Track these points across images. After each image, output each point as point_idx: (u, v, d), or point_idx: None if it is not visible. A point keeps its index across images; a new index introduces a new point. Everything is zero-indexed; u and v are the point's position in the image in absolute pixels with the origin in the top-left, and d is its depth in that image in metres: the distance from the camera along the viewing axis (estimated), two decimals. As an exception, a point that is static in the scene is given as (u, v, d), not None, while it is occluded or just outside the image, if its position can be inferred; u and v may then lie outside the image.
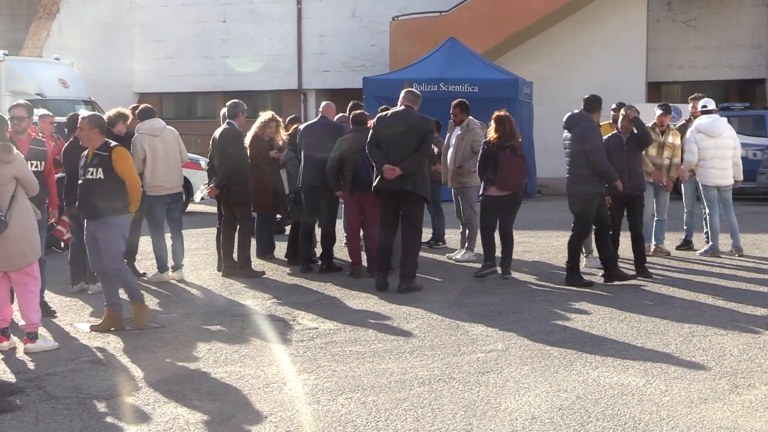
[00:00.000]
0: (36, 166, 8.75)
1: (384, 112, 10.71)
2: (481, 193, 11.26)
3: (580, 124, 10.41)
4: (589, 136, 10.33)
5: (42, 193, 8.69)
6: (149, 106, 11.28)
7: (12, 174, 7.74)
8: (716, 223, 12.41)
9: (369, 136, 10.40)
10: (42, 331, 8.00)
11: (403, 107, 10.41)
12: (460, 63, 21.81)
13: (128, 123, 11.00)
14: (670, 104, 13.28)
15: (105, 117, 11.01)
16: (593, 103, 10.70)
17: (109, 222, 8.39)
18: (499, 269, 11.01)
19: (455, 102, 12.36)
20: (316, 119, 11.89)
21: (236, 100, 11.57)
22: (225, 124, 11.25)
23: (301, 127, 11.90)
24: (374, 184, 10.25)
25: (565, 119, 10.52)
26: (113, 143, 8.56)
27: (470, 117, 12.18)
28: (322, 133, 11.35)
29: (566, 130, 10.51)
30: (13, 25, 31.57)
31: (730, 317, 8.72)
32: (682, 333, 8.10)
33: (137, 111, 11.12)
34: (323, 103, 12.17)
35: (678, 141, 12.37)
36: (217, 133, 11.23)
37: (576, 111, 10.60)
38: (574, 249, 10.52)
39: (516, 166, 10.80)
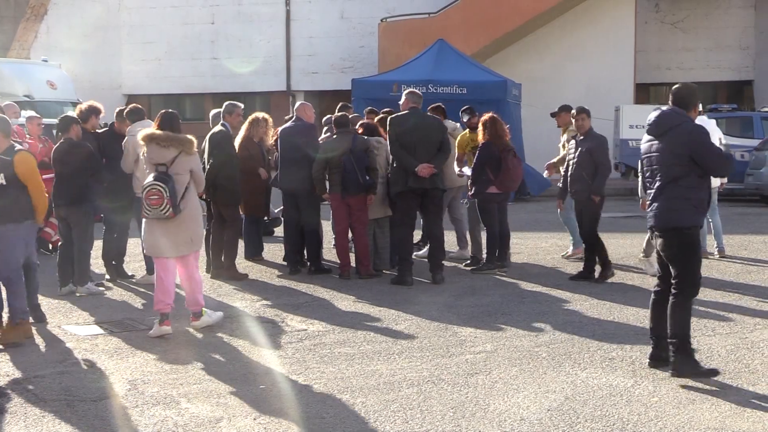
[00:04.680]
0: None
1: (399, 115, 10.76)
2: (471, 193, 11.34)
3: (678, 127, 6.84)
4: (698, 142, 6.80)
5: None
6: (138, 106, 11.24)
7: (190, 166, 8.38)
8: (703, 224, 12.42)
9: (390, 138, 10.67)
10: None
11: (409, 109, 10.69)
12: (448, 64, 21.83)
13: (108, 120, 10.99)
14: (660, 106, 13.17)
15: (76, 111, 11.01)
16: (689, 97, 7.04)
17: (11, 229, 8.04)
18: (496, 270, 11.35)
19: (432, 106, 12.33)
20: (290, 122, 11.84)
21: (233, 102, 11.60)
22: (219, 125, 11.24)
23: (279, 129, 11.91)
24: (408, 183, 10.47)
25: (652, 121, 7.00)
26: (18, 147, 8.28)
27: (448, 120, 12.14)
28: (295, 136, 11.35)
29: (653, 138, 6.99)
30: (0, 27, 31.48)
31: (717, 318, 8.76)
32: (670, 334, 8.12)
33: (126, 112, 11.07)
34: (297, 104, 12.09)
35: None
36: (209, 135, 11.24)
37: (665, 108, 7.06)
38: (684, 323, 6.80)
39: (517, 168, 11.27)
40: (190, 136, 8.46)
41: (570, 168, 10.95)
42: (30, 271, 8.69)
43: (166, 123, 8.46)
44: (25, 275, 8.74)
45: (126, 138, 10.72)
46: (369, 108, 14.67)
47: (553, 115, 12.40)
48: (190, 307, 8.54)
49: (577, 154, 10.86)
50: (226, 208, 11.06)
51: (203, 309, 8.58)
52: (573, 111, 11.33)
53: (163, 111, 8.73)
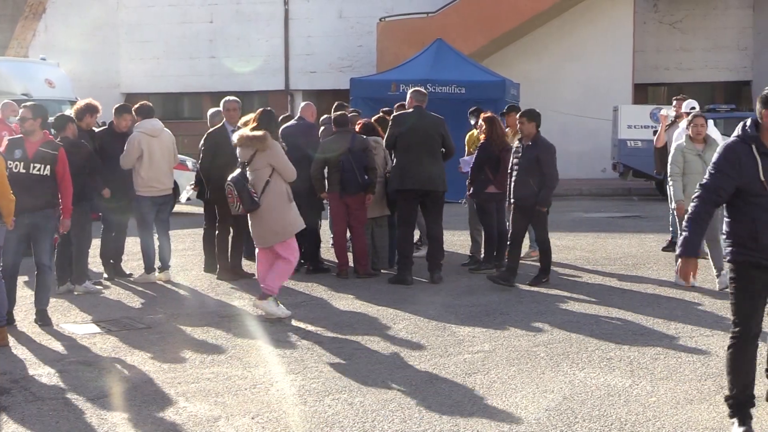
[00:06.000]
0: (39, 170, 8.55)
1: (401, 113, 10.76)
2: (470, 193, 11.35)
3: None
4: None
5: (52, 197, 8.61)
6: (148, 104, 11.24)
7: (267, 161, 8.78)
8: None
9: (390, 137, 10.65)
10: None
11: (413, 108, 10.70)
12: (447, 64, 21.80)
13: (106, 119, 10.97)
14: (659, 106, 13.06)
15: (73, 110, 11.02)
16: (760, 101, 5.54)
17: None
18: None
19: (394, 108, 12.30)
20: (293, 121, 11.84)
21: (228, 97, 11.60)
22: (219, 124, 11.24)
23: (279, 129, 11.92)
24: (406, 184, 10.49)
25: None
26: None
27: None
28: (297, 135, 11.34)
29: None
30: (-1, 25, 31.46)
31: (715, 318, 8.75)
32: (668, 334, 8.13)
33: (135, 108, 11.07)
34: (302, 104, 12.13)
35: None
36: (206, 133, 11.24)
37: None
38: (729, 374, 5.58)
39: None
40: (260, 133, 8.74)
41: (514, 173, 10.36)
42: (41, 274, 8.68)
43: (256, 120, 8.86)
44: (37, 276, 8.75)
45: (132, 134, 10.72)
46: (352, 110, 14.21)
47: (501, 115, 12.22)
48: (263, 287, 8.92)
49: (523, 159, 10.26)
50: (225, 207, 11.03)
51: (272, 297, 8.84)
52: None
53: (260, 109, 9.04)
